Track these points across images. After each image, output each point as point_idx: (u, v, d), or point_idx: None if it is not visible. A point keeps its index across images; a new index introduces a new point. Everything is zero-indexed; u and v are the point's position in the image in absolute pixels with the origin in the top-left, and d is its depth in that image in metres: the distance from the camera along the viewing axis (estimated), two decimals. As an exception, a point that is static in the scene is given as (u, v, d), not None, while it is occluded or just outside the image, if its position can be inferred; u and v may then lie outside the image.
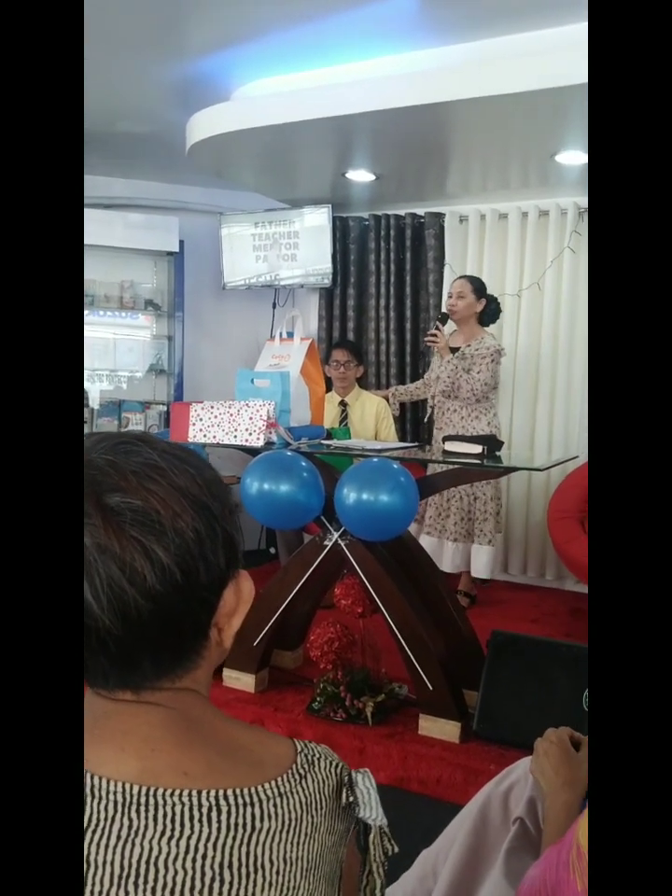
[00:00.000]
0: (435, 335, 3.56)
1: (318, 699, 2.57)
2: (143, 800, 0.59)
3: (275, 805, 0.62)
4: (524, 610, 3.78)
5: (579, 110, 2.87)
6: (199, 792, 0.60)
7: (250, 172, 4.13)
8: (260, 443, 2.53)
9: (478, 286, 3.61)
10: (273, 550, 4.59)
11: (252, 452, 2.61)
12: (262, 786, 0.62)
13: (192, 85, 3.32)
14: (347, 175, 3.91)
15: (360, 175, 3.90)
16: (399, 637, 2.42)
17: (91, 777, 0.60)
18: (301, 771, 0.66)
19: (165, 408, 4.74)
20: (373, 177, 3.91)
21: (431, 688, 2.39)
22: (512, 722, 2.28)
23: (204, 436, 2.61)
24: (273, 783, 0.63)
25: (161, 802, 0.59)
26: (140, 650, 0.61)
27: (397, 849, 0.72)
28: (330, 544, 2.53)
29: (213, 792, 0.60)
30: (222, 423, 2.60)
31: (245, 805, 0.61)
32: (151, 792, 0.59)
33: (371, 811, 0.68)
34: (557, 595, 4.08)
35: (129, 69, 3.13)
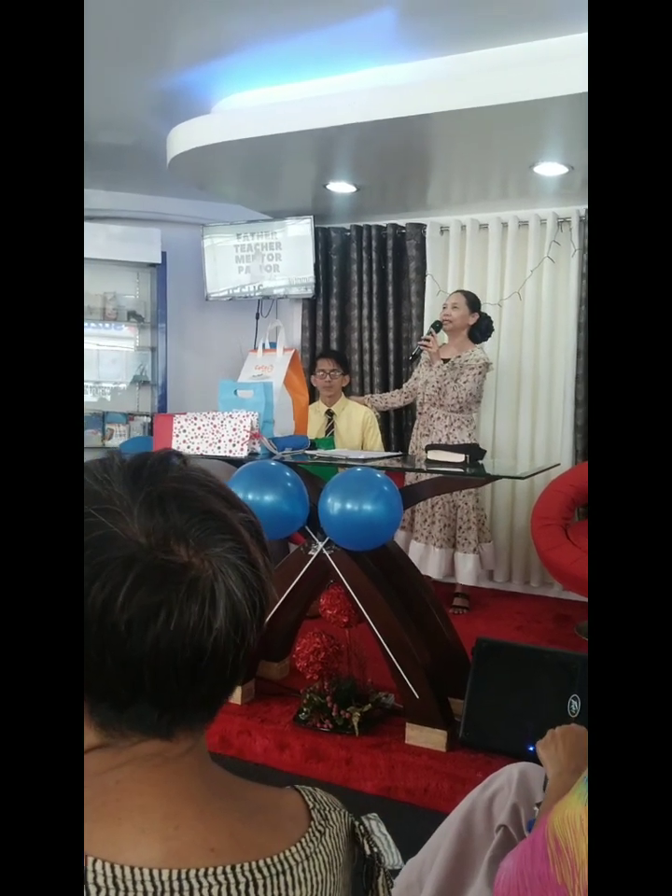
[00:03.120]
0: (428, 340, 3.61)
1: (305, 710, 2.56)
2: (175, 886, 0.54)
3: (304, 870, 0.59)
4: (509, 618, 3.80)
5: (556, 122, 2.91)
6: (232, 868, 0.56)
7: (232, 184, 4.14)
8: (244, 454, 2.53)
9: (472, 300, 3.71)
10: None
11: (236, 463, 2.61)
12: (289, 851, 0.59)
13: (174, 97, 3.34)
14: (328, 187, 3.93)
15: (341, 187, 3.93)
16: (385, 646, 2.42)
17: (113, 867, 0.53)
18: (320, 828, 0.64)
19: (149, 419, 4.73)
20: (354, 189, 3.94)
21: (417, 697, 2.39)
22: (498, 730, 2.28)
23: (188, 447, 2.61)
24: (298, 846, 0.60)
25: (195, 884, 0.54)
26: (212, 681, 0.57)
27: (393, 883, 0.71)
28: (315, 554, 2.54)
29: (247, 866, 0.56)
30: (205, 434, 2.60)
31: (277, 874, 0.57)
32: (183, 876, 0.54)
33: (392, 856, 0.68)
34: (542, 603, 4.09)
35: (111, 80, 3.13)
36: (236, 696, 2.69)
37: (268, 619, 2.22)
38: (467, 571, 3.70)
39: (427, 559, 3.70)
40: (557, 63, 2.63)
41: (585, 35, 2.65)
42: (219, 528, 0.57)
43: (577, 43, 2.66)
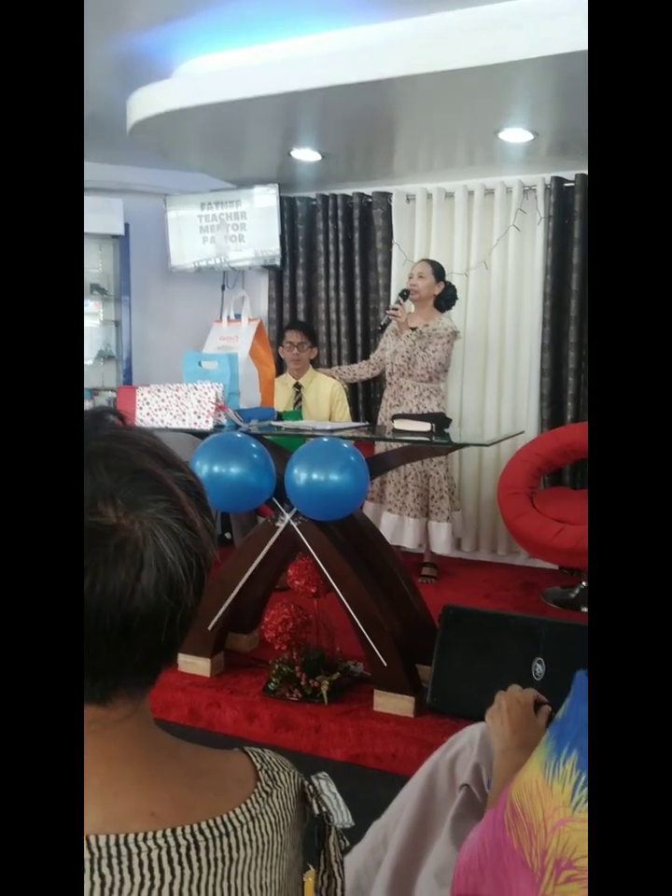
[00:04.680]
0: (396, 308, 3.60)
1: (274, 680, 2.57)
2: (113, 851, 0.53)
3: (249, 831, 0.59)
4: (476, 586, 3.84)
5: (521, 87, 2.89)
6: (172, 831, 0.55)
7: (195, 151, 4.06)
8: (209, 426, 2.51)
9: (437, 269, 3.72)
10: (228, 534, 4.57)
11: (201, 435, 2.59)
12: (233, 812, 0.59)
13: (133, 62, 3.24)
14: (293, 155, 3.87)
15: (306, 155, 3.87)
16: (353, 615, 2.44)
17: None
18: (267, 789, 0.63)
19: (114, 394, 4.67)
20: (320, 157, 3.88)
21: (385, 664, 2.41)
22: (465, 694, 2.31)
23: (152, 420, 2.57)
24: (243, 807, 0.60)
25: (135, 849, 0.54)
26: (147, 645, 0.55)
27: (348, 843, 0.71)
28: (283, 526, 2.53)
29: (188, 829, 0.56)
30: (170, 406, 2.57)
31: (221, 835, 0.57)
32: (121, 841, 0.54)
33: (341, 815, 0.68)
34: (509, 571, 4.15)
35: (65, 44, 3.03)
36: (205, 669, 2.69)
37: (236, 591, 2.18)
38: (441, 540, 3.73)
39: (402, 530, 3.71)
40: (523, 26, 2.59)
41: (550, -3, 2.62)
42: (152, 488, 0.55)
43: (542, 4, 2.63)
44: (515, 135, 3.42)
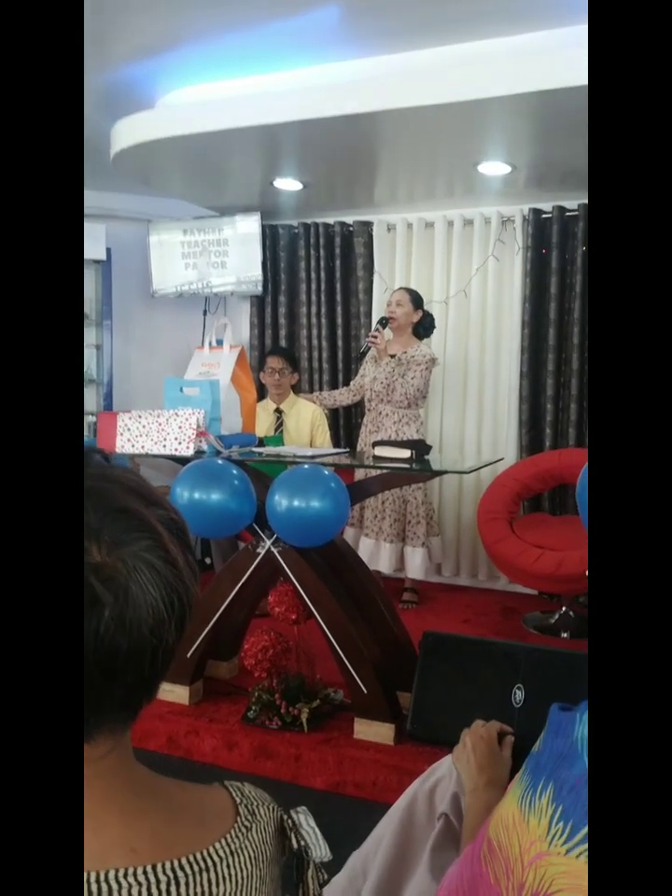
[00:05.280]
0: (376, 336, 3.65)
1: (253, 708, 2.56)
2: (94, 888, 0.53)
3: (228, 866, 0.59)
4: (456, 611, 3.85)
5: (499, 122, 2.96)
6: (152, 868, 0.55)
7: (177, 179, 4.10)
8: (190, 452, 2.51)
9: (415, 297, 3.77)
10: (208, 560, 4.54)
11: (182, 461, 2.59)
12: (213, 847, 0.59)
13: (117, 91, 3.28)
14: (275, 184, 3.92)
15: (288, 184, 3.92)
16: (333, 642, 2.43)
17: None
18: (247, 823, 0.63)
19: (94, 418, 4.65)
20: (301, 186, 3.94)
21: (365, 691, 2.41)
22: (445, 722, 2.30)
23: (132, 446, 2.57)
24: (222, 842, 0.60)
25: (115, 886, 0.54)
26: (129, 682, 0.55)
27: (326, 876, 0.71)
28: (263, 552, 2.53)
29: (168, 865, 0.56)
30: (151, 432, 2.57)
31: (201, 871, 0.57)
32: (102, 877, 0.54)
33: (320, 849, 0.68)
34: (489, 596, 4.16)
35: (49, 74, 3.07)
36: (184, 696, 2.67)
37: (216, 618, 2.17)
38: (415, 565, 3.75)
39: (378, 555, 3.74)
40: (499, 64, 2.67)
41: (526, 36, 2.71)
42: (135, 527, 0.56)
43: (518, 44, 2.71)
44: (494, 168, 3.49)
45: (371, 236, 4.33)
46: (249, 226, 4.43)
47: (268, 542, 2.51)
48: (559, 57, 2.54)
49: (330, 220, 4.44)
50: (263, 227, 4.44)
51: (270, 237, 4.57)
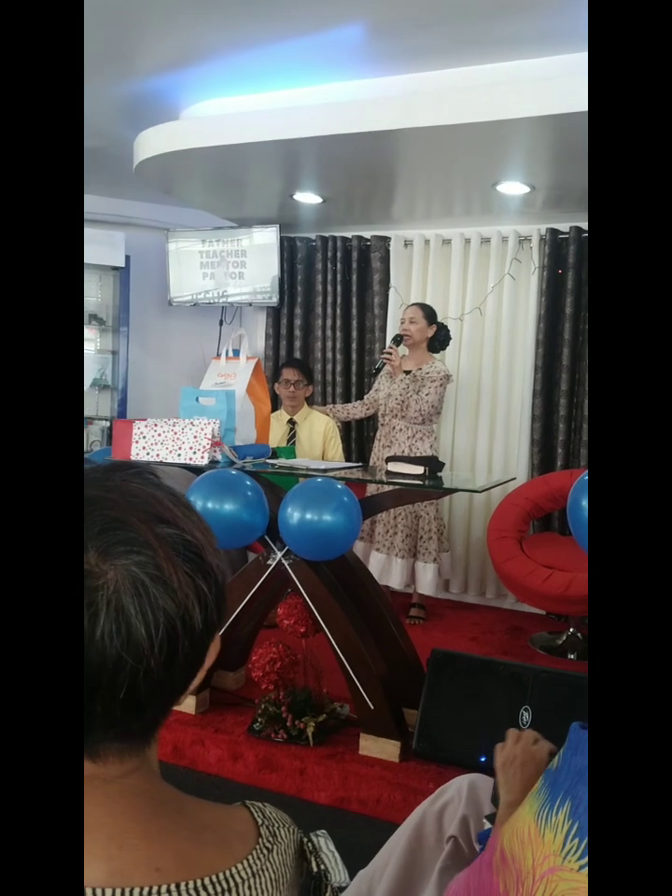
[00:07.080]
0: (390, 353, 3.65)
1: (259, 720, 2.55)
2: None
3: (250, 887, 0.59)
4: (464, 628, 3.84)
5: (519, 143, 2.98)
6: (176, 887, 0.55)
7: (198, 190, 4.13)
8: (205, 462, 2.52)
9: (429, 312, 3.77)
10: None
11: (196, 471, 2.60)
12: (236, 868, 0.59)
13: (141, 103, 3.33)
14: (295, 197, 3.96)
15: (308, 198, 3.95)
16: (341, 656, 2.43)
17: None
18: (268, 845, 0.63)
19: (108, 423, 4.68)
20: (320, 200, 3.97)
21: (372, 707, 2.40)
22: (451, 741, 2.31)
23: (148, 454, 2.59)
24: (245, 863, 0.60)
25: None
26: (151, 701, 0.55)
27: None
28: (274, 564, 2.54)
29: (192, 884, 0.56)
30: (166, 441, 2.59)
31: (223, 892, 0.57)
32: (126, 895, 0.54)
33: (339, 874, 0.68)
34: (497, 614, 4.15)
35: (76, 84, 3.11)
36: (190, 706, 2.67)
37: (224, 628, 2.18)
38: (427, 581, 3.74)
39: (389, 570, 3.73)
40: (520, 86, 2.69)
41: (547, 59, 2.73)
42: (125, 540, 0.55)
43: (539, 67, 2.73)
44: (512, 188, 3.51)
45: (388, 251, 4.35)
46: (267, 237, 4.46)
47: (279, 554, 2.52)
48: (579, 81, 2.56)
49: (348, 234, 4.47)
50: (281, 239, 4.47)
51: (287, 249, 4.60)
